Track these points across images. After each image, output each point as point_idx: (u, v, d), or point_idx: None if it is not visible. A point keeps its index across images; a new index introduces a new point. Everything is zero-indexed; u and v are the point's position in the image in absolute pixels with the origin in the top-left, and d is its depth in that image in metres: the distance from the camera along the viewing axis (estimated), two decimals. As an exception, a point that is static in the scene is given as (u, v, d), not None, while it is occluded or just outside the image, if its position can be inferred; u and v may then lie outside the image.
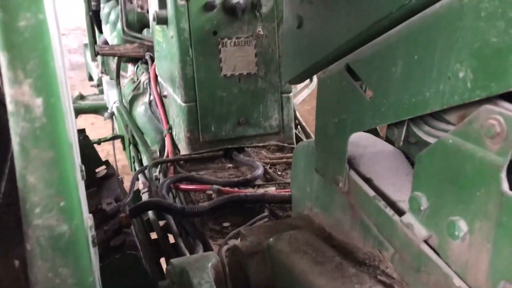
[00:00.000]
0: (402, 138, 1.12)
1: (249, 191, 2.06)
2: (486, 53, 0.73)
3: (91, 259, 0.55)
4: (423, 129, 1.05)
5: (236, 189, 2.09)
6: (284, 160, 2.43)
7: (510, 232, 0.76)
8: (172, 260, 1.30)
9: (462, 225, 0.85)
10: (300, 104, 3.03)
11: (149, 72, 2.95)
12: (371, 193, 1.12)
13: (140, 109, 3.06)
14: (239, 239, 1.43)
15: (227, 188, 2.07)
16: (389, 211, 1.05)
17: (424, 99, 0.88)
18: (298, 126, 2.89)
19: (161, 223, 2.24)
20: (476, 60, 0.76)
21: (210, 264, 1.27)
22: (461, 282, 0.87)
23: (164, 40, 2.56)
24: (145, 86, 3.10)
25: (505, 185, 0.76)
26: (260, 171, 2.21)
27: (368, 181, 1.19)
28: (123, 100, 3.35)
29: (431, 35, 0.84)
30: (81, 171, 1.09)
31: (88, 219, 0.89)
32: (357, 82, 1.12)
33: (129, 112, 3.24)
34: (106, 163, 2.59)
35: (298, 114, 2.82)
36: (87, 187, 2.38)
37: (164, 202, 1.91)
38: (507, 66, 0.70)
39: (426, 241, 0.96)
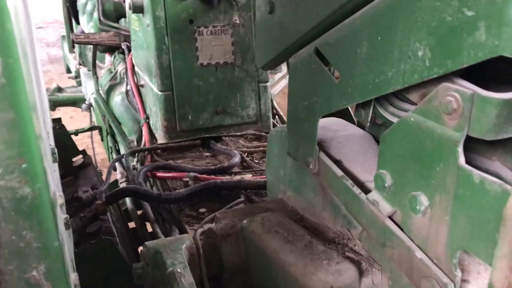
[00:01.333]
0: (369, 120, 1.16)
1: (226, 178, 2.08)
2: (442, 31, 0.77)
3: (57, 225, 0.56)
4: (388, 110, 1.09)
5: (213, 176, 2.11)
6: (261, 148, 2.45)
7: (466, 203, 0.79)
8: (146, 243, 1.31)
9: (423, 200, 0.89)
10: (281, 97, 3.06)
11: (126, 62, 2.94)
12: (339, 173, 1.15)
13: (117, 98, 3.05)
14: (214, 223, 1.45)
15: (204, 175, 2.09)
16: (356, 190, 1.09)
17: (386, 79, 0.91)
18: (276, 116, 2.91)
19: (139, 213, 2.25)
20: (434, 39, 0.79)
21: (184, 246, 1.29)
22: (423, 254, 0.91)
23: (140, 29, 2.55)
24: (122, 75, 3.09)
25: (461, 159, 0.80)
26: (237, 159, 2.23)
27: (337, 163, 1.22)
28: (100, 91, 3.33)
29: (393, 16, 0.87)
30: (53, 153, 1.10)
31: (59, 197, 0.90)
32: (326, 67, 1.14)
33: (106, 102, 3.22)
34: (83, 152, 2.58)
35: (275, 104, 2.85)
36: (63, 176, 2.38)
37: (140, 188, 1.92)
38: (461, 43, 0.74)
39: (390, 217, 0.99)
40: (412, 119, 0.90)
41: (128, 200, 2.35)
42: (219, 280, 1.36)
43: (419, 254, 0.91)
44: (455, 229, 0.82)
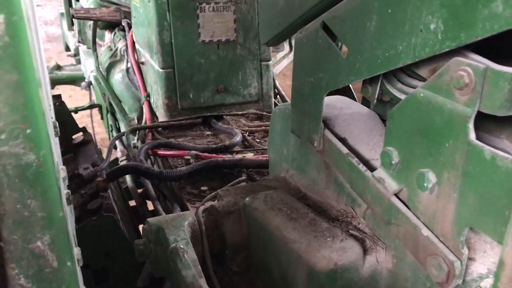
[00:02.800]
0: (376, 96, 1.14)
1: (228, 157, 2.06)
2: (456, 3, 0.74)
3: (61, 196, 0.55)
4: (396, 87, 1.07)
5: (214, 155, 2.10)
6: (263, 128, 2.44)
7: (475, 180, 0.78)
8: (148, 219, 1.31)
9: (431, 177, 0.88)
10: (282, 78, 3.03)
11: (126, 39, 2.90)
12: (345, 150, 1.14)
13: (117, 76, 3.02)
14: (216, 200, 1.44)
15: (205, 154, 2.08)
16: (362, 167, 1.07)
17: (396, 53, 0.89)
18: (278, 96, 2.89)
19: (140, 191, 2.24)
20: (447, 11, 0.76)
21: (186, 222, 1.28)
22: (429, 232, 0.90)
23: (141, 5, 2.51)
24: (122, 53, 3.05)
25: (472, 135, 0.78)
26: (238, 138, 2.22)
27: (342, 140, 1.20)
28: (100, 68, 3.30)
29: (405, -12, 0.84)
30: (55, 127, 1.08)
31: (61, 170, 0.89)
32: (333, 42, 1.12)
33: (106, 79, 3.19)
34: (83, 129, 2.56)
35: (277, 83, 2.82)
36: (63, 153, 2.36)
37: (141, 166, 1.91)
38: (476, 15, 0.71)
39: (396, 195, 0.98)
40: (421, 94, 0.88)
41: (128, 178, 2.34)
42: (221, 257, 1.35)
43: (425, 231, 0.90)
44: (463, 206, 0.81)
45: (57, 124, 1.10)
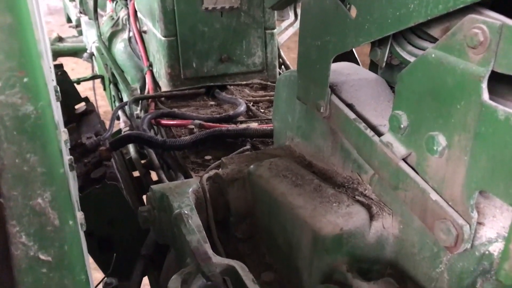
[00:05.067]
0: (385, 60, 1.11)
1: (231, 126, 2.04)
2: (473, -45, 0.71)
3: (62, 152, 0.53)
4: (406, 49, 1.04)
5: (218, 124, 2.07)
6: (267, 98, 2.41)
7: (487, 142, 0.76)
8: (152, 186, 1.30)
9: (441, 140, 0.86)
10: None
11: (128, 8, 2.84)
12: (352, 116, 1.11)
13: (119, 46, 2.97)
14: (220, 169, 1.43)
15: (209, 123, 2.06)
16: (369, 132, 1.05)
17: (408, 12, 0.86)
18: (282, 66, 2.84)
19: (144, 162, 2.23)
20: (463, -36, 0.73)
21: (190, 189, 1.27)
22: (438, 196, 0.88)
23: (143, -28, 2.45)
24: (124, 22, 3.00)
25: (485, 95, 0.76)
26: (242, 108, 2.19)
27: (349, 106, 1.18)
28: (102, 38, 3.25)
29: None
30: (56, 91, 1.06)
31: (62, 133, 0.87)
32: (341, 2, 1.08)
33: (108, 50, 3.15)
34: (86, 99, 2.53)
35: (282, 53, 2.77)
36: (66, 123, 2.34)
37: (144, 134, 1.89)
38: (494, -33, 0.68)
39: (404, 160, 0.96)
40: (433, 55, 0.85)
41: (132, 149, 2.33)
42: (225, 224, 1.35)
43: (434, 196, 0.88)
44: (474, 169, 0.79)
45: (58, 89, 1.08)
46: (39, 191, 0.51)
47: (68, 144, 0.89)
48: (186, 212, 1.13)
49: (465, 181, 0.81)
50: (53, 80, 1.03)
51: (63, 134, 0.86)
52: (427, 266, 0.96)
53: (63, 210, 0.55)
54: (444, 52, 0.83)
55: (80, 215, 0.95)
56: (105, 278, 1.48)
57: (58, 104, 1.12)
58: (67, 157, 1.01)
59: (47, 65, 0.74)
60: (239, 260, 1.00)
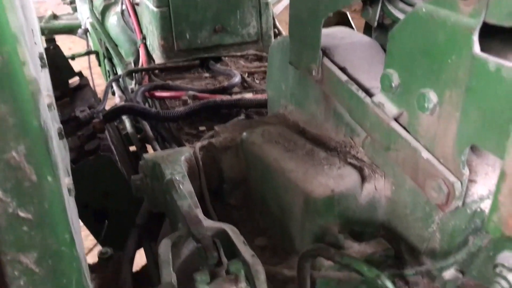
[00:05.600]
0: (377, 19, 1.08)
1: (226, 97, 2.02)
2: None
3: (38, 105, 0.51)
4: (397, 7, 1.01)
5: (212, 95, 2.05)
6: (262, 69, 2.37)
7: (479, 95, 0.74)
8: (144, 155, 1.28)
9: (432, 97, 0.84)
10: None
11: (120, -20, 2.79)
12: (344, 77, 1.09)
13: (112, 19, 2.92)
14: (213, 137, 1.42)
15: (203, 94, 2.04)
16: (361, 94, 1.04)
17: (398, -35, 0.83)
18: (278, 36, 2.80)
19: (140, 136, 2.21)
20: None
21: (183, 157, 1.26)
22: (429, 155, 0.87)
23: None
24: (116, -6, 2.95)
25: (476, 47, 0.74)
26: (237, 79, 2.17)
27: (342, 69, 1.16)
28: (95, 12, 3.20)
29: None
30: (41, 58, 1.04)
31: (46, 96, 0.86)
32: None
33: (102, 23, 3.10)
34: (79, 74, 2.50)
35: (277, 23, 2.73)
36: (59, 98, 2.32)
37: (138, 106, 1.87)
38: None
39: (396, 120, 0.95)
40: (423, 9, 0.82)
41: (128, 124, 2.31)
42: (219, 192, 1.34)
43: (425, 154, 0.87)
44: (465, 124, 0.78)
45: (44, 55, 1.06)
46: (12, 143, 0.49)
47: (54, 109, 0.87)
48: (177, 178, 1.12)
49: (457, 137, 0.80)
50: (37, 45, 1.01)
51: (47, 98, 0.85)
52: (419, 227, 0.96)
53: (40, 164, 0.54)
54: (434, 6, 0.80)
55: (68, 180, 0.94)
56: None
57: (45, 70, 1.10)
58: (56, 127, 0.99)
59: (21, 19, 0.71)
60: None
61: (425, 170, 0.87)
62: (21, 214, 0.57)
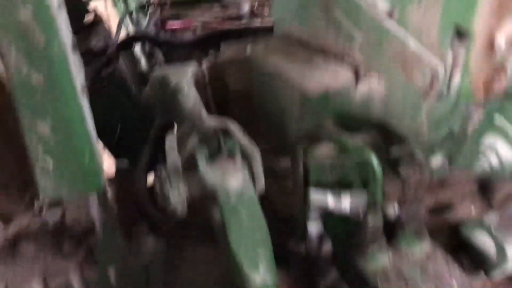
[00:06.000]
0: None
1: (235, 25, 2.05)
2: None
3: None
4: None
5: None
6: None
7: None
8: (154, 69, 1.35)
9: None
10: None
11: None
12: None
13: (124, -43, 2.92)
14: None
15: (212, 24, 2.07)
16: (357, -6, 1.07)
17: None
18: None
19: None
20: None
21: (190, 70, 1.32)
22: (416, 45, 0.91)
23: None
24: None
25: None
26: (246, 8, 2.19)
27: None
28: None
29: None
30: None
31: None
32: None
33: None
34: (94, 12, 2.55)
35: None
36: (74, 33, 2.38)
37: (149, 33, 1.93)
38: None
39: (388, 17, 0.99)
40: None
41: (143, 62, 2.37)
42: (224, 105, 1.41)
43: (413, 44, 0.91)
44: (448, 6, 0.82)
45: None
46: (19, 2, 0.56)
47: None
48: (183, 84, 1.18)
49: (441, 21, 0.84)
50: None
51: None
52: (410, 119, 1.01)
53: (47, 27, 0.60)
54: None
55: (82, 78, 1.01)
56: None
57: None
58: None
59: None
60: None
61: (413, 59, 0.92)
62: (34, 77, 0.64)
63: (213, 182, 0.87)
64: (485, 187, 1.21)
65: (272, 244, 1.21)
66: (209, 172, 0.87)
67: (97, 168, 0.88)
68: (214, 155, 0.92)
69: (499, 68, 0.70)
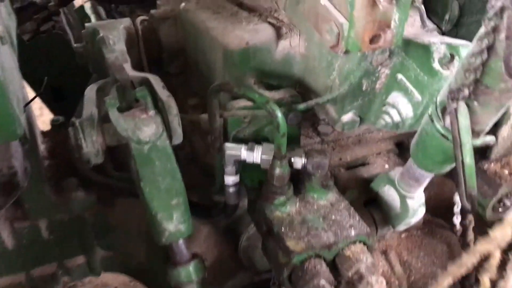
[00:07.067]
0: None
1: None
2: None
3: None
4: None
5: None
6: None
7: None
8: (86, 24, 1.34)
9: None
10: None
11: None
12: None
13: None
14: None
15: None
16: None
17: None
18: None
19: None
20: None
21: (122, 26, 1.32)
22: (326, 1, 0.94)
23: None
24: None
25: None
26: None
27: None
28: None
29: None
30: None
31: None
32: None
33: None
34: (39, -37, 2.47)
35: None
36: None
37: (90, -12, 1.89)
38: None
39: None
40: None
41: (93, 19, 2.32)
42: (158, 62, 1.42)
43: (323, 1, 0.94)
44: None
45: None
46: None
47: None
48: (110, 36, 1.18)
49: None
50: None
51: None
52: (324, 76, 1.06)
53: None
54: None
55: (1, 28, 1.00)
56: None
57: None
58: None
59: None
60: (171, 92, 1.06)
61: (323, 16, 0.95)
62: None
63: (125, 131, 0.89)
64: (400, 145, 1.28)
65: (199, 196, 1.26)
66: (121, 121, 0.89)
67: (11, 116, 0.89)
68: (129, 106, 0.94)
69: (383, 23, 0.73)
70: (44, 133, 1.51)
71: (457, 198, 1.24)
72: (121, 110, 0.92)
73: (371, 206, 1.16)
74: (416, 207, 1.06)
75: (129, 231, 1.37)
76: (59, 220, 1.32)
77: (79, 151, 0.91)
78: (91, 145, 0.90)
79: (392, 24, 0.75)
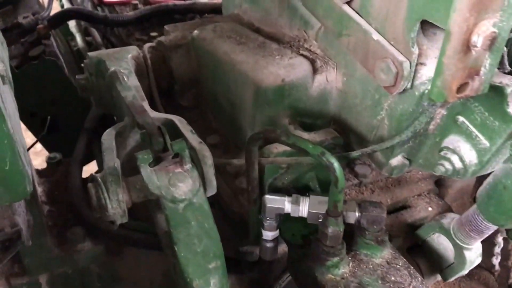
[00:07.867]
0: None
1: (179, 2, 1.91)
2: None
3: None
4: None
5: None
6: (220, -23, 2.25)
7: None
8: (89, 53, 1.21)
9: (385, -26, 0.80)
10: None
11: None
12: (296, -36, 1.03)
13: None
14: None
15: None
16: (314, -20, 0.98)
17: None
18: None
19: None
20: None
21: (130, 55, 1.19)
22: (379, 36, 0.84)
23: None
24: None
25: None
26: (192, -16, 2.05)
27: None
28: None
29: None
30: None
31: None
32: None
33: None
34: (21, -20, 2.31)
35: None
36: (1, 6, 2.15)
37: (84, 9, 1.76)
38: None
39: (348, 3, 0.91)
40: None
41: (79, 39, 2.18)
42: (170, 93, 1.30)
43: (376, 36, 0.85)
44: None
45: None
46: None
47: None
48: (122, 70, 1.06)
49: (407, 13, 0.77)
50: None
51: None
52: (369, 115, 0.95)
53: None
54: None
55: (1, 67, 0.88)
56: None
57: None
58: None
59: None
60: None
61: (375, 52, 0.85)
62: None
63: (158, 188, 0.77)
64: (437, 183, 1.19)
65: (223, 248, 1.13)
66: (153, 177, 0.77)
67: (21, 173, 0.76)
68: (158, 156, 0.81)
69: (473, 70, 0.64)
70: (39, 172, 1.36)
71: (499, 239, 1.15)
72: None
73: (415, 253, 1.06)
74: (474, 258, 0.96)
75: (139, 282, 1.24)
76: (62, 274, 1.18)
77: (102, 212, 0.77)
78: (116, 205, 0.77)
79: (482, 71, 0.65)
